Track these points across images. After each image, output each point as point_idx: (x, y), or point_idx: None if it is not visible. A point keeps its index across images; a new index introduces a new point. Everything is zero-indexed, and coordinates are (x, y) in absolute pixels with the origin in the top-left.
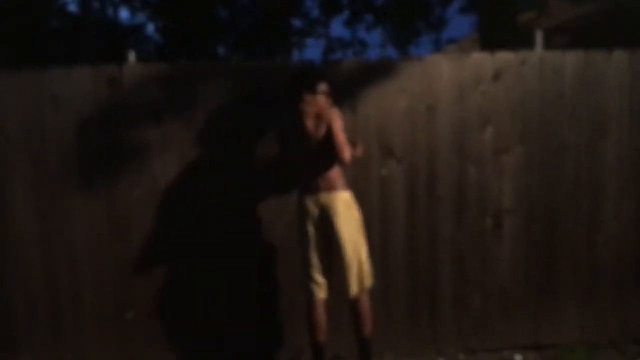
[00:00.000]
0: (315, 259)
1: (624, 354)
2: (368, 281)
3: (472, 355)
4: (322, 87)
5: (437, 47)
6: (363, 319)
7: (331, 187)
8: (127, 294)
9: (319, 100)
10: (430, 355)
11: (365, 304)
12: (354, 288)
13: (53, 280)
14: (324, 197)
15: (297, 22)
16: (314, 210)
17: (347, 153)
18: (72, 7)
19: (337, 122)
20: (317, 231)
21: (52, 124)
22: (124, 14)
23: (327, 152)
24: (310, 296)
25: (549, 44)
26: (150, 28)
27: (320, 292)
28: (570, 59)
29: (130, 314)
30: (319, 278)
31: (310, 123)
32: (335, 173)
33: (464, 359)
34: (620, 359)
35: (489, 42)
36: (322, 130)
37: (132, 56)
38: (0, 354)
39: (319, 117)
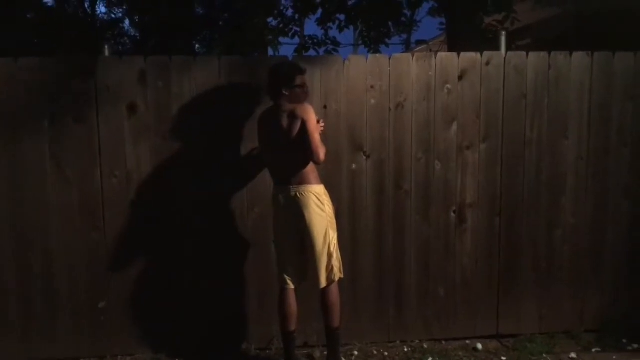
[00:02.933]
0: (286, 250)
1: (579, 342)
2: (337, 274)
3: (436, 344)
4: (298, 80)
5: (407, 47)
6: (331, 310)
7: (302, 181)
8: (100, 284)
9: (295, 94)
10: (395, 344)
11: (334, 296)
12: (322, 280)
13: (25, 270)
14: (294, 190)
15: (271, 20)
16: (285, 202)
17: (321, 154)
18: (49, 1)
19: (311, 120)
20: (288, 223)
21: (26, 114)
22: (101, 8)
23: (300, 146)
24: (281, 286)
25: (512, 46)
26: (127, 23)
27: (291, 282)
28: (533, 60)
29: (102, 303)
30: (290, 269)
31: (284, 118)
32: (308, 167)
33: (428, 348)
34: (576, 348)
35: (456, 43)
36: (296, 126)
37: (107, 50)
38: None
39: (293, 112)
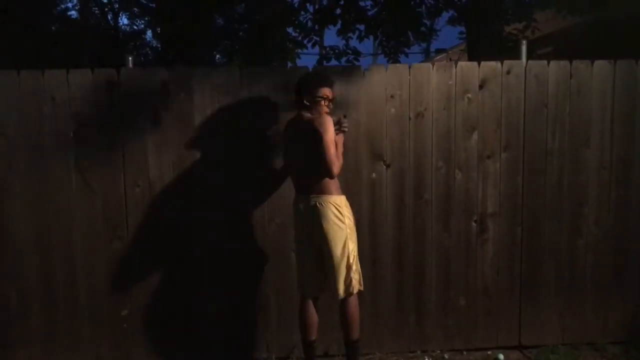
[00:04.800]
0: (307, 259)
1: (603, 354)
2: (356, 286)
3: (457, 354)
4: (322, 91)
5: (426, 56)
6: (350, 322)
7: (323, 191)
8: (123, 292)
9: (318, 105)
10: (416, 354)
11: (352, 308)
12: (340, 291)
13: (48, 278)
14: (314, 199)
15: (291, 31)
16: (304, 211)
17: (334, 169)
18: (73, 13)
19: (328, 132)
20: (307, 233)
21: (51, 125)
22: (123, 20)
23: (319, 157)
24: (302, 295)
25: (533, 54)
26: (149, 34)
27: (312, 292)
28: (554, 69)
29: (125, 311)
30: (310, 278)
31: (303, 128)
32: (326, 180)
33: (449, 358)
34: (600, 359)
35: (476, 52)
36: (313, 137)
37: (130, 61)
38: None
39: (311, 123)
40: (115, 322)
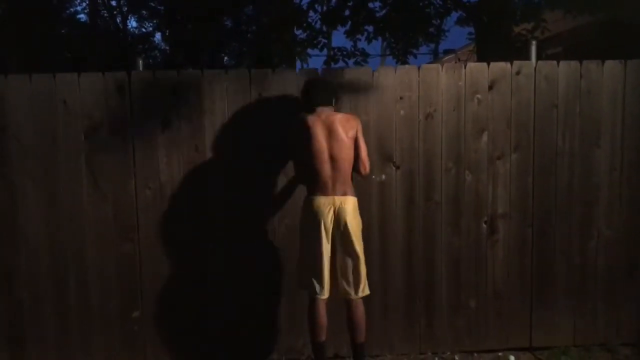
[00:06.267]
0: (324, 260)
1: (615, 356)
2: (366, 288)
3: (468, 355)
4: (333, 98)
5: (435, 57)
6: (362, 323)
7: (346, 191)
8: (134, 294)
9: (334, 111)
10: (426, 355)
11: (362, 310)
12: (362, 287)
13: (60, 280)
14: (338, 200)
15: (300, 33)
16: (328, 212)
17: (368, 166)
18: (82, 16)
19: (362, 136)
20: (328, 233)
21: (62, 128)
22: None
23: (349, 155)
24: (313, 296)
25: (543, 55)
26: (158, 37)
27: (325, 292)
28: (564, 69)
29: (136, 313)
30: (325, 279)
31: (338, 125)
32: (350, 178)
33: None
34: None
35: (485, 52)
36: (351, 134)
37: (140, 64)
38: (8, 352)
39: (348, 121)
40: (126, 324)
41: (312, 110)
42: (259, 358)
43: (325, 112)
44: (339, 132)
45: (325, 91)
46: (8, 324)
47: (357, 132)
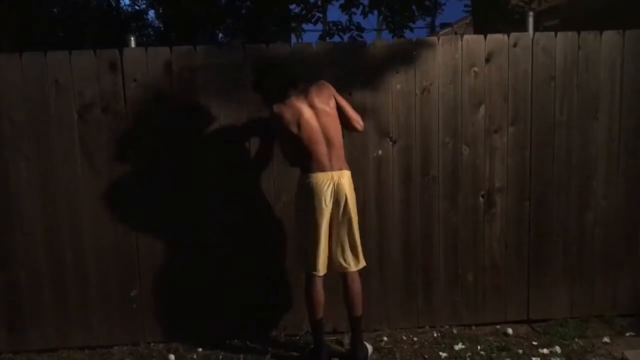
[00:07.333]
0: (323, 237)
1: (612, 327)
2: (362, 260)
3: (466, 329)
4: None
5: (431, 31)
6: (359, 296)
7: (341, 166)
8: (132, 272)
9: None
10: (425, 329)
11: (359, 284)
12: (361, 259)
13: (58, 260)
14: (337, 175)
15: (294, 7)
16: (327, 188)
17: (361, 120)
18: None
19: (338, 95)
20: (327, 209)
21: (55, 107)
22: (125, 1)
23: (337, 131)
24: (310, 273)
25: (540, 27)
26: (152, 15)
27: (323, 269)
28: (562, 40)
29: (135, 291)
30: (323, 255)
31: (316, 101)
32: (343, 152)
33: (457, 333)
34: (609, 332)
35: (482, 25)
36: (331, 103)
37: (132, 42)
38: (7, 330)
39: (321, 90)
40: (125, 302)
41: (287, 97)
42: (257, 334)
43: (298, 92)
44: (323, 107)
45: (286, 75)
46: (6, 302)
47: (334, 97)
